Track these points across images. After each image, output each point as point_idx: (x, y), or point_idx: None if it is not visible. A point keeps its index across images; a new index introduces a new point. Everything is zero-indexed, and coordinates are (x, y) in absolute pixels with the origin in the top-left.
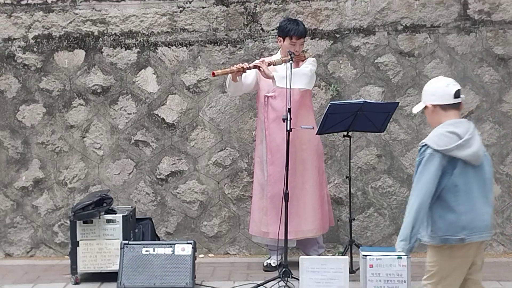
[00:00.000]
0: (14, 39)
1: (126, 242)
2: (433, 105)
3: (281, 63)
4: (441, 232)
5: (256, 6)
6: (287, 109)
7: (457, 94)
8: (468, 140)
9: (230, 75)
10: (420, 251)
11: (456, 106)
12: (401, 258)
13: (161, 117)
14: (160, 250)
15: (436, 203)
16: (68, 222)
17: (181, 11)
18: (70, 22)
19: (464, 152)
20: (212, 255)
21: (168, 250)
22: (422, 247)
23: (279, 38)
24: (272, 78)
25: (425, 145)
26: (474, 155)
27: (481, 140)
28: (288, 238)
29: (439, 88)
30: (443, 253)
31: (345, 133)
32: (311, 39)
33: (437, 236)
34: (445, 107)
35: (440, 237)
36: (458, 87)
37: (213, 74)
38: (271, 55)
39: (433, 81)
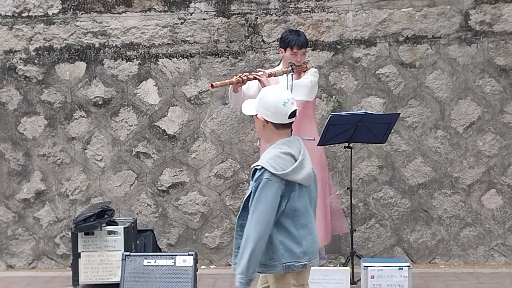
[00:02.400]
0: (16, 51)
1: (128, 253)
2: (265, 120)
3: (282, 74)
4: (284, 259)
5: (257, 18)
6: None
7: (292, 115)
8: (302, 162)
9: (231, 86)
10: (422, 262)
11: (289, 126)
12: (402, 269)
13: (162, 128)
14: (161, 262)
15: (276, 228)
16: (70, 233)
17: (182, 23)
18: (71, 34)
19: (299, 175)
20: (214, 266)
21: (169, 262)
22: (424, 256)
23: (280, 49)
24: None
25: (261, 168)
26: (307, 176)
27: (309, 158)
28: None
29: (275, 106)
30: (284, 281)
31: (346, 144)
32: (312, 50)
33: (279, 264)
34: (278, 126)
35: (283, 265)
36: (295, 107)
37: (212, 85)
38: (272, 66)
39: (271, 95)
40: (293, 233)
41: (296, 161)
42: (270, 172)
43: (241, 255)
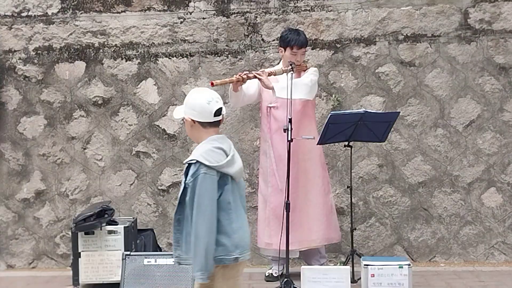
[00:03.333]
0: (15, 51)
1: (128, 253)
2: (192, 120)
3: (282, 73)
4: (216, 253)
5: (256, 17)
6: (287, 119)
7: (218, 113)
8: (233, 156)
9: (231, 85)
10: (422, 260)
11: (216, 124)
12: (402, 267)
13: (162, 128)
14: (161, 261)
15: None
16: (70, 233)
17: (181, 22)
18: (71, 34)
19: (232, 168)
20: None
21: (169, 261)
22: (424, 255)
23: (280, 48)
24: (272, 88)
25: (196, 162)
26: (239, 171)
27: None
28: (292, 248)
29: (200, 105)
30: (216, 275)
31: (346, 143)
32: (312, 49)
33: None
34: (205, 125)
35: (214, 258)
36: (220, 105)
37: (212, 84)
38: (272, 65)
39: (195, 94)
40: (225, 227)
41: (227, 155)
42: (206, 165)
43: (195, 253)
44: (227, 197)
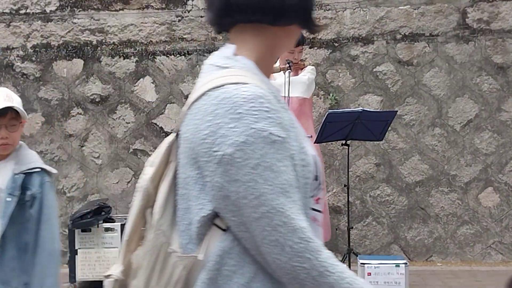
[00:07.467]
0: (13, 48)
1: None
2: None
3: (279, 71)
4: None
5: None
6: None
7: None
8: None
9: None
10: (419, 259)
11: None
12: (399, 266)
13: (160, 126)
14: None
15: None
16: (67, 230)
17: (179, 20)
18: (69, 32)
19: None
20: None
21: None
22: (421, 254)
23: None
24: None
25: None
26: None
27: None
28: None
29: None
30: None
31: (344, 141)
32: (310, 48)
33: None
34: None
35: None
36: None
37: None
38: None
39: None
40: None
41: None
42: None
43: None
44: None
